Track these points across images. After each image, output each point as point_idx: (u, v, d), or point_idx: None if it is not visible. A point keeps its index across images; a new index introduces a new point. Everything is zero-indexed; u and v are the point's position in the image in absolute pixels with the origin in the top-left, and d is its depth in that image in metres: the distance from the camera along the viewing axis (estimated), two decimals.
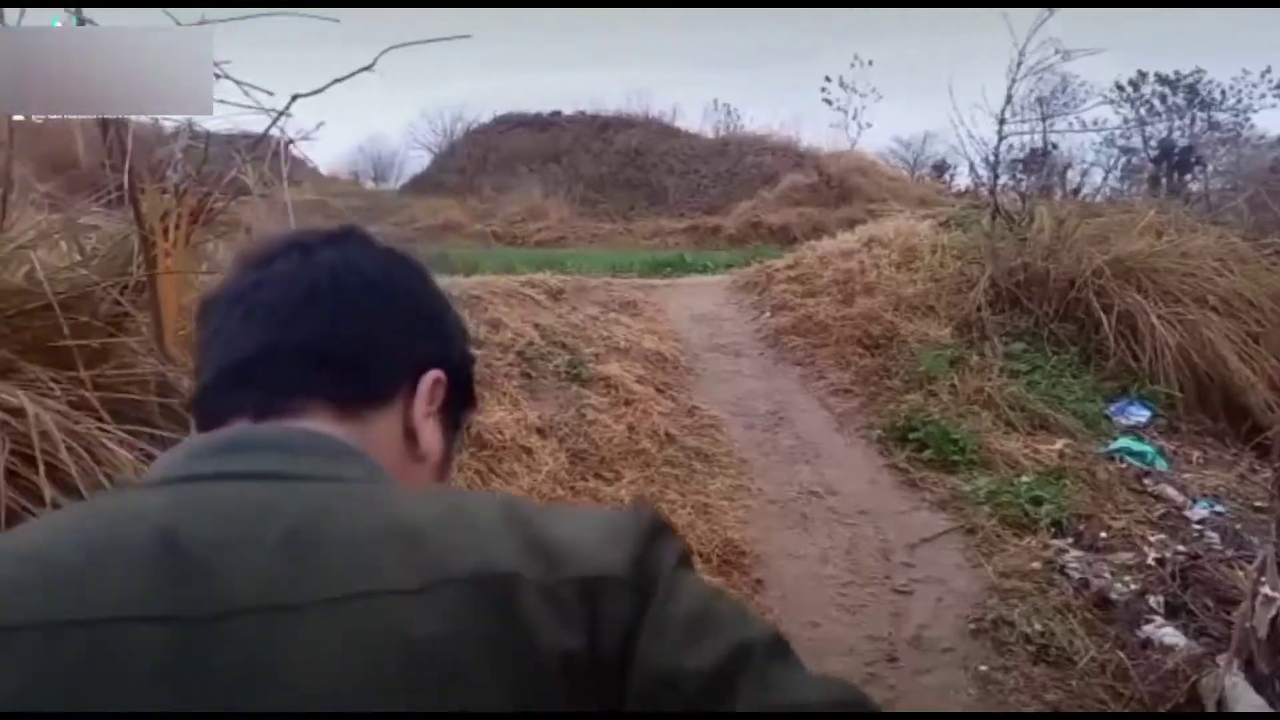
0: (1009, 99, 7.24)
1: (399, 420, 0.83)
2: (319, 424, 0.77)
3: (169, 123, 2.92)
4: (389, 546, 0.65)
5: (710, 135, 21.05)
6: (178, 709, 0.58)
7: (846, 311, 7.06)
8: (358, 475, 0.73)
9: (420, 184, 21.25)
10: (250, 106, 2.62)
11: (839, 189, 17.01)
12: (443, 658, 0.61)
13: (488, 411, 4.99)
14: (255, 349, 0.80)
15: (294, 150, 3.13)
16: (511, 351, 5.85)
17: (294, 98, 2.81)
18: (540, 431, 5.14)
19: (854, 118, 19.07)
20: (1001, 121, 7.29)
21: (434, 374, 0.85)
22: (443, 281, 0.95)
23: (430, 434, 0.85)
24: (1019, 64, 7.11)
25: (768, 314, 7.48)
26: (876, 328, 6.82)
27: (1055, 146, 10.91)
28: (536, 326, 6.28)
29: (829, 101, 19.18)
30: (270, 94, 2.69)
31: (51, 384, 2.47)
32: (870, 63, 18.60)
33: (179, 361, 2.84)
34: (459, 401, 0.90)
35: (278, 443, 0.75)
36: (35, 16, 2.38)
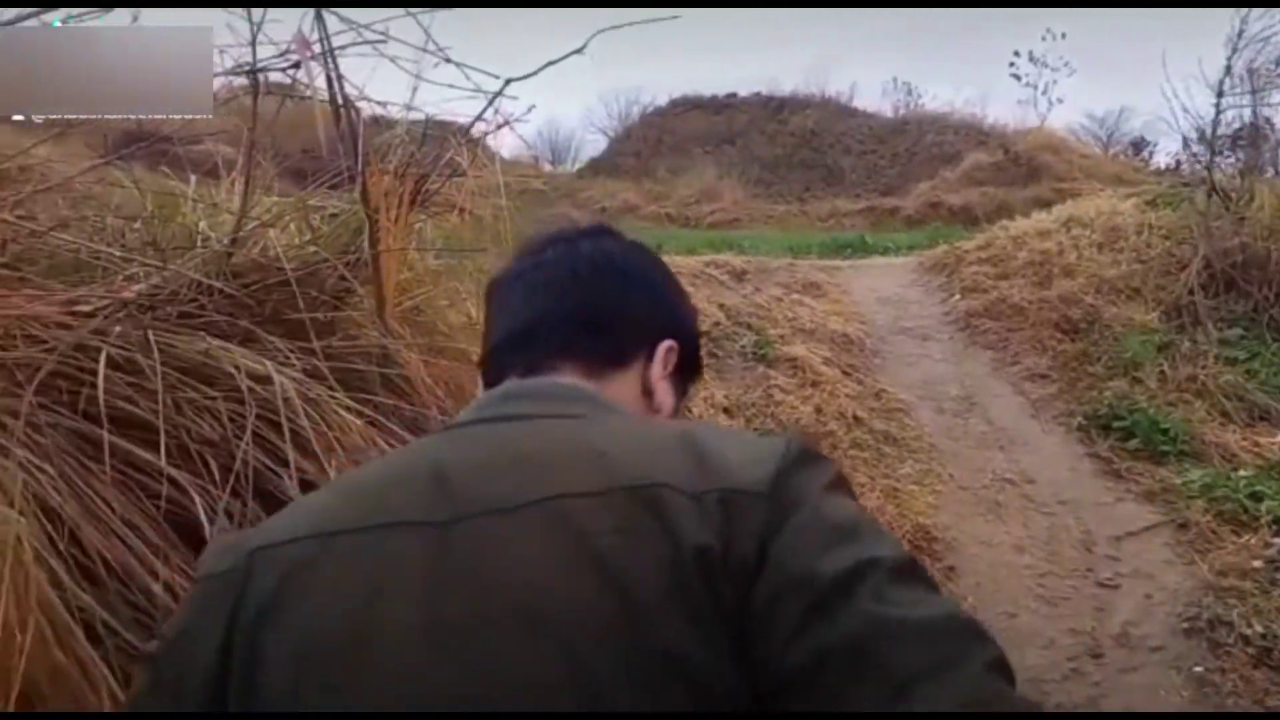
0: (1228, 69, 6.74)
1: (637, 380, 1.01)
2: (568, 378, 0.97)
3: (393, 107, 3.03)
4: (581, 462, 0.81)
5: (889, 114, 20.49)
6: (434, 590, 0.75)
7: (1043, 294, 6.79)
8: (583, 413, 0.91)
9: (597, 167, 21.52)
10: (471, 90, 2.70)
11: (1026, 167, 16.26)
12: (608, 549, 0.74)
13: None
14: (529, 318, 1.01)
15: (500, 133, 3.21)
16: None
17: (507, 81, 2.88)
18: (727, 411, 5.17)
19: (1043, 93, 18.23)
20: (1219, 94, 6.79)
21: (668, 343, 1.03)
22: None
23: (663, 393, 1.03)
24: (1239, 33, 6.62)
25: (957, 296, 7.26)
26: (1076, 311, 6.54)
27: (1269, 121, 10.08)
28: (721, 307, 6.31)
29: (1017, 77, 18.37)
30: (496, 77, 2.77)
31: (289, 353, 2.63)
32: (1063, 36, 17.72)
33: (397, 335, 2.98)
34: (688, 369, 1.07)
35: (532, 392, 0.95)
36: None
